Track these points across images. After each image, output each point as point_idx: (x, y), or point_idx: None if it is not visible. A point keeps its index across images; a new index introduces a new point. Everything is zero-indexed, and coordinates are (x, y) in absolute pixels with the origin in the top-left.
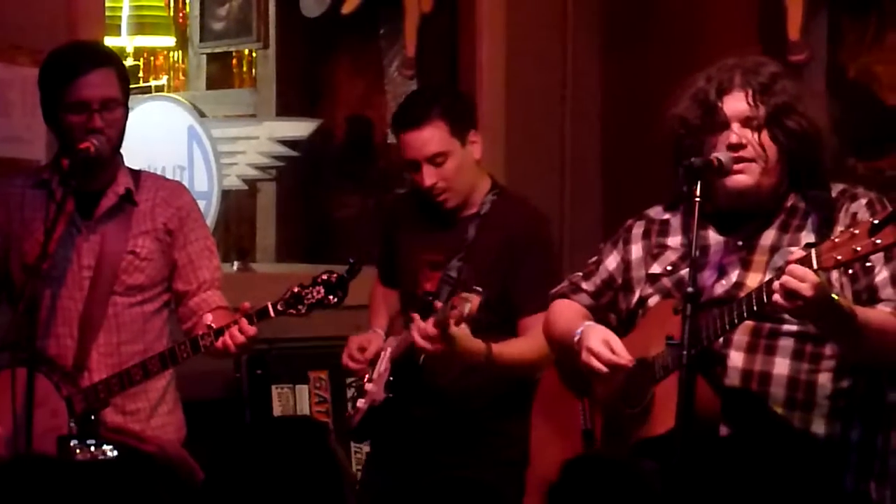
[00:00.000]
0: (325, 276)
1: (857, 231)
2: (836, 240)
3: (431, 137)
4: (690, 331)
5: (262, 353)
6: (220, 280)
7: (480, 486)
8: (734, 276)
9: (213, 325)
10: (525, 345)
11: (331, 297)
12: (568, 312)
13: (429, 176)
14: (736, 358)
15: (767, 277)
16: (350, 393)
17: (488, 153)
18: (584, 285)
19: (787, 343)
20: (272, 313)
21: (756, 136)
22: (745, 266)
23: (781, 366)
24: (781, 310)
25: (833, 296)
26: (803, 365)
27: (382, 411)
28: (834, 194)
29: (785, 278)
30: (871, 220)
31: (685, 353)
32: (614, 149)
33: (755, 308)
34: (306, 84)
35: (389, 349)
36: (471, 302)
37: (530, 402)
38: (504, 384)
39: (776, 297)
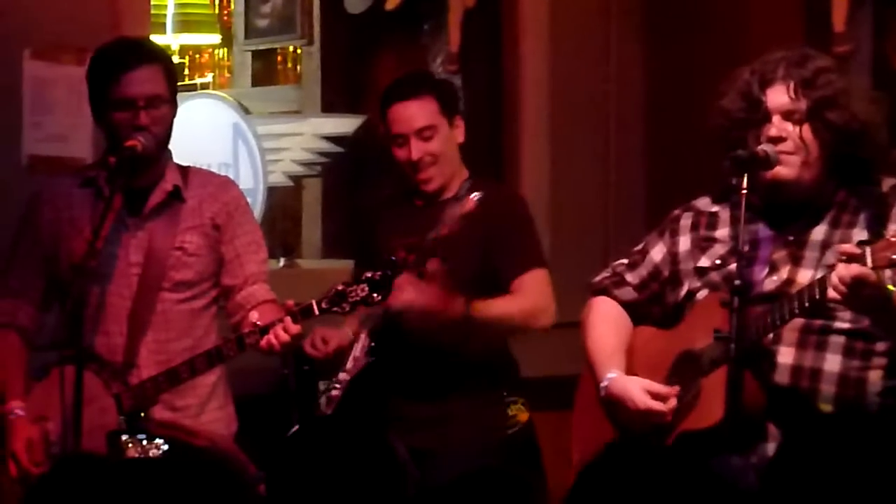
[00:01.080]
0: (368, 274)
1: None
2: (892, 238)
3: (421, 110)
4: (739, 325)
5: None
6: (267, 273)
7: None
8: (785, 271)
9: (258, 322)
10: (508, 304)
11: (375, 295)
12: (605, 326)
13: (416, 149)
14: (786, 354)
15: (819, 274)
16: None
17: (532, 148)
18: (629, 277)
19: (838, 340)
20: (317, 311)
21: (797, 129)
22: (796, 262)
23: (832, 362)
24: (836, 304)
25: (889, 287)
26: (854, 362)
27: (363, 382)
28: (885, 189)
29: (841, 271)
30: None
31: (733, 346)
32: (659, 142)
33: (808, 304)
34: (350, 80)
35: (363, 339)
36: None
37: (508, 375)
38: (480, 346)
39: (831, 291)
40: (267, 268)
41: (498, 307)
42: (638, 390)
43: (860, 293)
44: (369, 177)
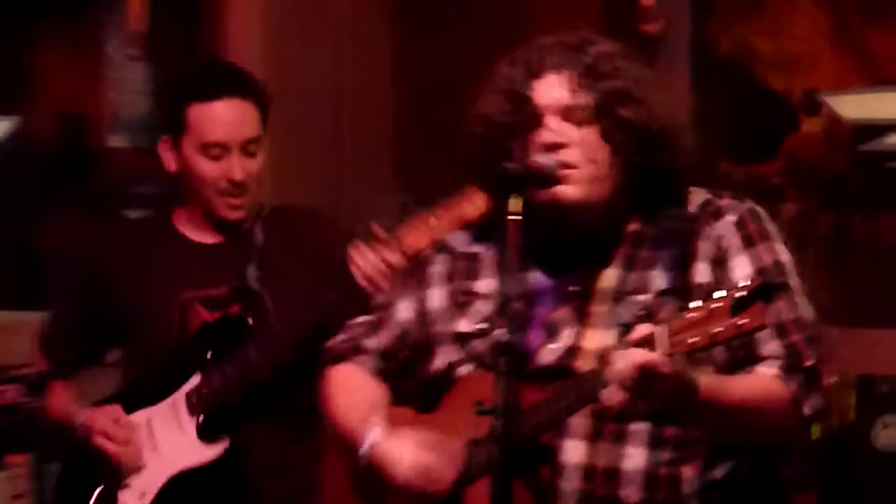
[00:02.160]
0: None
1: (715, 306)
2: (691, 316)
3: (249, 115)
4: (507, 418)
5: None
6: None
7: None
8: (568, 336)
9: None
10: None
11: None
12: (352, 395)
13: (240, 167)
14: (573, 450)
15: (611, 336)
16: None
17: None
18: (369, 342)
19: (641, 428)
20: None
21: (579, 132)
22: (582, 321)
23: (635, 458)
24: (623, 410)
25: (693, 379)
26: (663, 454)
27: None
28: (693, 209)
29: (625, 370)
30: (733, 291)
31: (499, 446)
32: (413, 151)
33: (590, 400)
34: None
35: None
36: None
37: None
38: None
39: (615, 394)
40: None
41: None
42: (413, 447)
43: (650, 389)
44: (24, 199)
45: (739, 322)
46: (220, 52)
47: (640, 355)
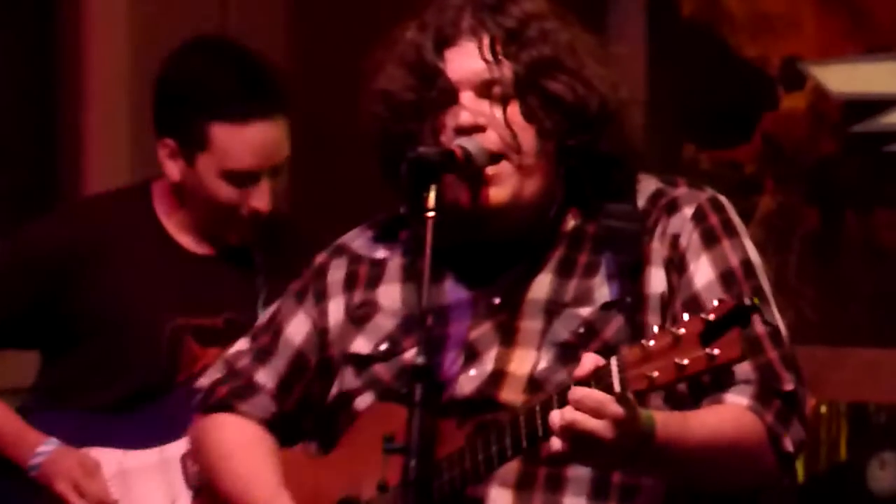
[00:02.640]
0: None
1: (681, 332)
2: (650, 345)
3: (283, 137)
4: (424, 443)
5: None
6: None
7: None
8: (490, 358)
9: None
10: None
11: None
12: (246, 460)
13: (263, 196)
14: (499, 501)
15: (545, 358)
16: None
17: (104, 145)
18: (260, 376)
19: (581, 473)
20: None
21: (501, 111)
22: (508, 340)
23: None
24: (561, 458)
25: (650, 415)
26: None
27: None
28: (642, 204)
29: (568, 415)
30: (703, 314)
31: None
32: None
33: (524, 445)
34: None
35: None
36: None
37: None
38: None
39: (555, 443)
40: None
41: None
42: None
43: (601, 440)
44: None
45: (712, 352)
46: (77, 35)
47: (592, 398)
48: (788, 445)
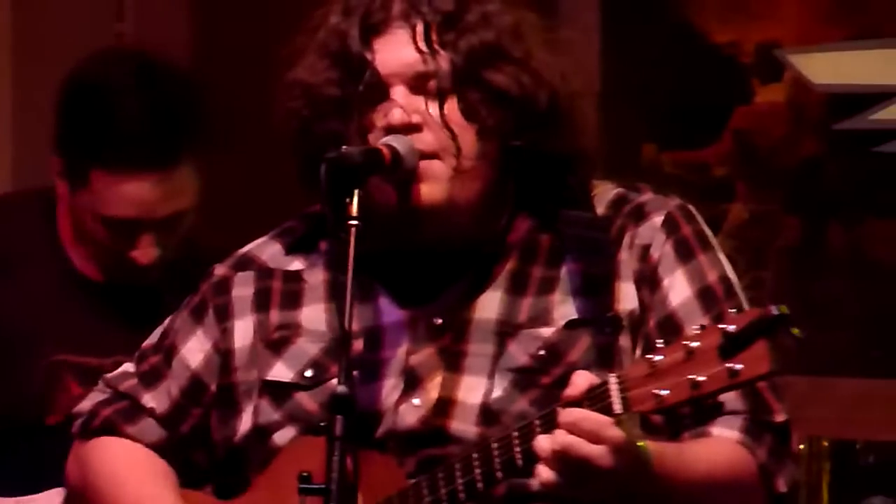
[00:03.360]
0: None
1: (695, 344)
2: (657, 360)
3: (179, 189)
4: (345, 483)
5: None
6: None
7: None
8: (434, 386)
9: None
10: None
11: None
12: (131, 486)
13: (148, 250)
14: None
15: (499, 385)
16: None
17: None
18: (147, 399)
19: None
20: None
21: (436, 107)
22: (453, 366)
23: None
24: (550, 489)
25: (641, 443)
26: None
27: None
28: (601, 210)
29: (560, 439)
30: (720, 325)
31: None
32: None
33: (499, 477)
34: None
35: None
36: None
37: None
38: None
39: (543, 473)
40: None
41: None
42: None
43: (597, 468)
44: None
45: (733, 367)
46: None
47: (590, 421)
48: (782, 486)
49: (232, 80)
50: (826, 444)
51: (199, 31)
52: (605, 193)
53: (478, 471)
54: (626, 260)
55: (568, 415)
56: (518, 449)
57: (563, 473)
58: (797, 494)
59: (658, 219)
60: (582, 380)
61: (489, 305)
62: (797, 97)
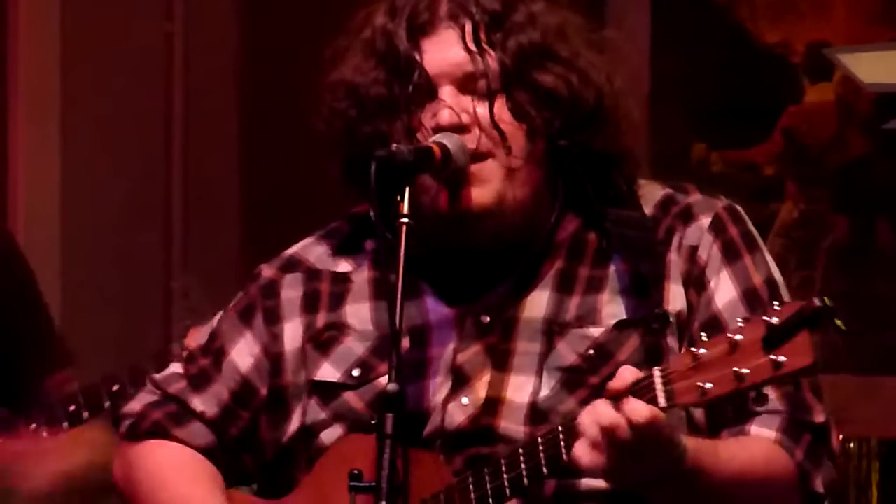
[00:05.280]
0: None
1: (739, 337)
2: (702, 353)
3: None
4: (396, 481)
5: None
6: None
7: None
8: (482, 385)
9: None
10: None
11: None
12: (182, 491)
13: None
14: None
15: (547, 384)
16: None
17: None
18: (197, 402)
19: None
20: None
21: (484, 107)
22: (501, 364)
23: None
24: (588, 471)
25: (681, 440)
26: None
27: None
28: (649, 210)
29: (609, 417)
30: (763, 317)
31: None
32: (254, 147)
33: (545, 471)
34: None
35: None
36: None
37: None
38: None
39: (582, 449)
40: None
41: None
42: None
43: (640, 453)
44: None
45: (777, 359)
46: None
47: (639, 410)
48: (819, 486)
49: (280, 79)
50: (875, 443)
51: (248, 30)
52: (651, 193)
53: (523, 466)
54: (675, 261)
55: (627, 406)
56: (563, 444)
57: (608, 453)
58: (847, 493)
59: (706, 220)
60: (628, 373)
61: (537, 304)
62: (846, 97)
